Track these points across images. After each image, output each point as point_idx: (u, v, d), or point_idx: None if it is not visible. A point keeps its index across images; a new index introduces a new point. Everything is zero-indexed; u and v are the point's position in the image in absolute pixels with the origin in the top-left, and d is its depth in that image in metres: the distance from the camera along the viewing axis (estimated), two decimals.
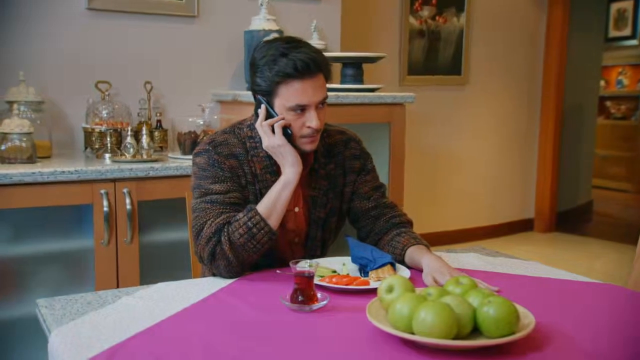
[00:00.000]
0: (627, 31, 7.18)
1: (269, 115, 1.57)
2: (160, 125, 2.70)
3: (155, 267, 2.33)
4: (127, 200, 2.21)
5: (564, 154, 5.48)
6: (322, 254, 1.73)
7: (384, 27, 4.43)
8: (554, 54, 5.16)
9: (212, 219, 1.49)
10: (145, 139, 2.35)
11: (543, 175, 5.32)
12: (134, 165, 2.23)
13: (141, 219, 2.28)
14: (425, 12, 4.62)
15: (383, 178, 2.84)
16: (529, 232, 5.37)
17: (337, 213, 1.72)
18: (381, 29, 4.41)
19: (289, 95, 1.51)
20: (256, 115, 1.60)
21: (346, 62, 2.80)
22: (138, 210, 2.26)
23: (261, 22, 2.81)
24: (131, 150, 2.32)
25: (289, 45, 1.52)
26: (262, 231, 1.49)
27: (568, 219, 5.61)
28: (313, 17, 3.07)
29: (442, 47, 4.72)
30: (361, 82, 2.79)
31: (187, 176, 2.31)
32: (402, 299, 1.17)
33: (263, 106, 1.56)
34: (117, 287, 2.22)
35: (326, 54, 2.82)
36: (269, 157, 1.58)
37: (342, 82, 2.81)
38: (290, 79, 1.50)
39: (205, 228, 1.49)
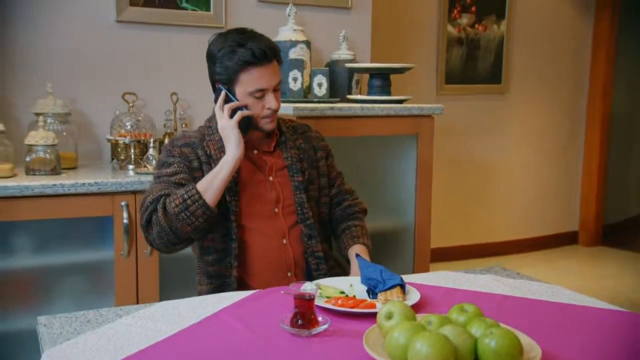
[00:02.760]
0: None
1: (228, 101, 1.71)
2: None
3: (175, 279, 2.33)
4: None
5: (612, 163, 5.26)
6: (316, 224, 1.81)
7: (421, 36, 4.35)
8: (601, 61, 4.97)
9: (155, 192, 1.64)
10: None
11: (588, 185, 5.11)
12: None
13: None
14: (464, 19, 4.52)
15: (409, 191, 2.78)
16: (573, 245, 5.17)
17: (316, 182, 1.86)
18: (418, 37, 4.34)
19: (249, 81, 1.68)
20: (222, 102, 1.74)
21: (373, 73, 2.74)
22: None
23: (288, 33, 2.79)
24: (153, 162, 2.33)
25: (243, 36, 1.70)
26: (196, 203, 1.59)
27: (616, 232, 5.37)
28: (342, 27, 3.03)
29: (481, 55, 4.60)
30: (388, 93, 2.73)
31: None
32: (400, 328, 1.11)
33: (223, 92, 1.71)
34: (137, 298, 2.24)
35: (352, 65, 2.80)
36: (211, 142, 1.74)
37: (369, 94, 2.75)
38: (250, 66, 1.67)
39: (146, 200, 1.64)
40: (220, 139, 1.71)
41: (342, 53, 2.93)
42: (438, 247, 4.46)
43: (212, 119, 1.79)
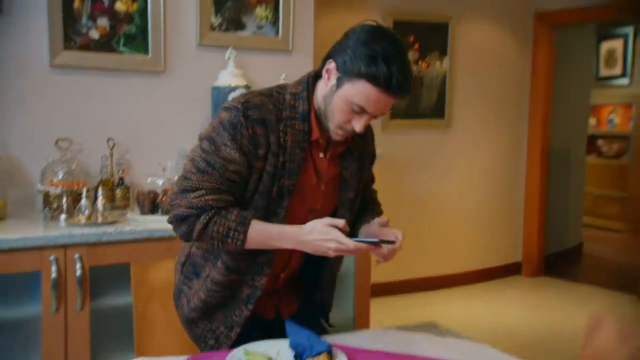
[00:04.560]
0: (617, 70, 7.17)
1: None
2: (123, 183, 2.65)
3: (107, 334, 2.27)
4: (78, 266, 2.16)
5: (552, 195, 5.42)
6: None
7: None
8: (539, 95, 5.14)
9: (205, 191, 1.47)
10: (100, 201, 2.31)
11: (530, 217, 5.25)
12: (86, 230, 2.18)
13: (93, 284, 2.22)
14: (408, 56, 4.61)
15: None
16: (517, 276, 5.29)
17: (359, 193, 1.71)
18: None
19: (363, 95, 1.45)
20: (312, 78, 1.56)
21: None
22: (90, 276, 2.20)
23: (228, 78, 2.79)
24: (86, 212, 2.27)
25: (394, 52, 1.43)
26: (233, 244, 1.49)
27: (557, 262, 5.53)
28: (283, 70, 3.03)
29: (425, 92, 4.70)
30: None
31: (143, 240, 2.28)
32: None
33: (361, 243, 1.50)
34: (66, 356, 2.16)
35: None
36: (305, 131, 1.52)
37: None
38: (376, 86, 1.43)
39: (194, 194, 1.47)
40: (301, 132, 1.51)
41: None
42: (384, 281, 4.49)
43: (297, 98, 1.54)
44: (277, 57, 3.09)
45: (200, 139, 1.53)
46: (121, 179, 2.66)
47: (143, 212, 2.46)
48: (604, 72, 7.30)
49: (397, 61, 1.43)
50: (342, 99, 1.48)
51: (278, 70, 3.04)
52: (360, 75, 1.43)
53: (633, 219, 6.55)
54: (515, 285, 5.07)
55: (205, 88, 2.86)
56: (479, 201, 5.05)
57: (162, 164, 2.57)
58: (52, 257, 2.12)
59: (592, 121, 7.38)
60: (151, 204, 2.46)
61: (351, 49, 1.45)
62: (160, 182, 2.49)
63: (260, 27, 3.01)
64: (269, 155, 1.49)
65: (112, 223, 2.30)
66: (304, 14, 3.13)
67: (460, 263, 4.97)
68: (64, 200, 2.35)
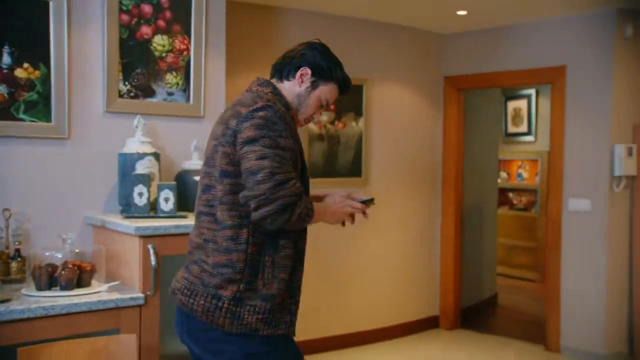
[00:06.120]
0: (523, 128, 7.60)
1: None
2: (19, 255, 2.53)
3: None
4: None
5: (466, 247, 5.59)
6: None
7: None
8: (451, 152, 5.35)
9: (295, 180, 1.71)
10: None
11: (446, 270, 5.38)
12: None
13: None
14: (324, 117, 4.71)
15: None
16: (436, 329, 5.37)
17: None
18: None
19: (332, 93, 1.94)
20: (280, 74, 1.93)
21: None
22: None
23: (136, 145, 2.74)
24: None
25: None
26: (308, 221, 1.77)
27: (472, 315, 5.66)
28: (195, 136, 3.02)
29: (342, 151, 4.80)
30: None
31: (38, 318, 2.16)
32: None
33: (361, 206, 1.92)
34: None
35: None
36: (292, 117, 1.88)
37: None
38: (339, 87, 1.95)
39: (289, 183, 1.69)
40: (292, 117, 1.87)
41: (194, 163, 2.92)
42: (303, 339, 4.45)
43: (275, 94, 1.87)
44: (188, 124, 3.08)
45: (252, 140, 1.71)
46: (17, 250, 2.54)
47: (39, 288, 2.34)
48: (511, 129, 7.71)
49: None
50: (316, 97, 1.91)
51: (189, 136, 3.03)
52: (335, 79, 1.92)
53: (542, 269, 6.85)
54: (434, 340, 5.14)
55: (112, 155, 2.80)
56: (396, 256, 5.13)
57: (62, 236, 2.48)
58: None
59: (504, 175, 7.74)
60: (49, 278, 2.35)
61: (322, 59, 1.90)
62: (59, 255, 2.39)
63: (170, 94, 3.00)
64: (294, 137, 1.81)
65: (4, 302, 2.18)
66: (215, 80, 3.15)
67: (379, 318, 5.00)
68: None
